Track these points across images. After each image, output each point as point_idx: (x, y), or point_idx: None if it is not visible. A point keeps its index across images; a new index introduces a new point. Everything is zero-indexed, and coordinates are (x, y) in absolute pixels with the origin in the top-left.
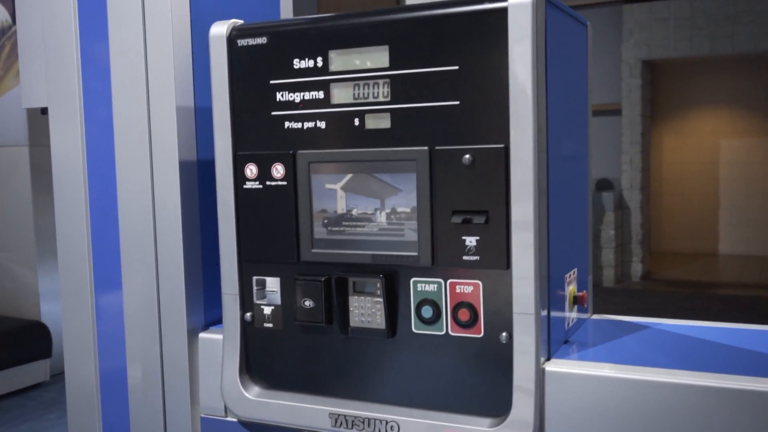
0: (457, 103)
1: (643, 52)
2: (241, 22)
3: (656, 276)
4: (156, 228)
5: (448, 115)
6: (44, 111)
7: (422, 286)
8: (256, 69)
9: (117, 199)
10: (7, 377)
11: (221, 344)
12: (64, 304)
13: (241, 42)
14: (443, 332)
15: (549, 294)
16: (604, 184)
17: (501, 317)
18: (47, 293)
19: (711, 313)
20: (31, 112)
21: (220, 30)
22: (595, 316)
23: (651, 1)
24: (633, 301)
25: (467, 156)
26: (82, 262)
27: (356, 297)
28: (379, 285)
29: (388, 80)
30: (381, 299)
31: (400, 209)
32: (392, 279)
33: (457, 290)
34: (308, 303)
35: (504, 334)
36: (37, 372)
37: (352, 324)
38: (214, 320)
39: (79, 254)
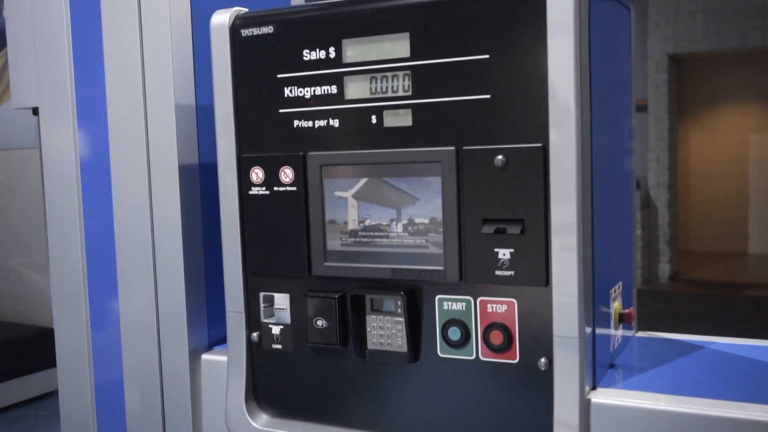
0: (488, 96)
1: (670, 47)
2: (245, 10)
3: (684, 277)
4: (154, 237)
5: (477, 110)
6: (36, 111)
7: (449, 304)
8: (261, 61)
9: (112, 206)
10: (19, 386)
11: (226, 366)
12: (56, 314)
13: (245, 32)
14: (473, 357)
15: (594, 313)
16: None
17: (539, 341)
18: None
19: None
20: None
21: (221, 19)
22: (641, 334)
23: None
24: (661, 303)
25: (500, 157)
26: (75, 270)
27: (374, 316)
28: (399, 303)
29: (409, 72)
30: (402, 319)
31: (423, 217)
32: (415, 296)
33: (489, 309)
34: (321, 322)
35: (543, 359)
36: (49, 381)
37: (369, 346)
38: (218, 339)
39: (72, 262)
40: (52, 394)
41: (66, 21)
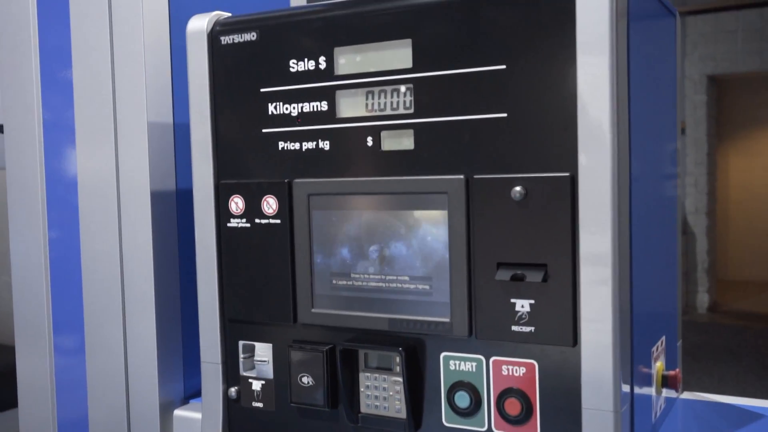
0: (505, 115)
1: (709, 67)
2: (227, 14)
3: (724, 307)
4: (123, 274)
5: (491, 131)
6: (1, 129)
7: (456, 364)
8: (243, 73)
9: (80, 236)
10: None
11: (200, 424)
12: (18, 351)
13: (226, 39)
14: (484, 428)
15: (632, 378)
16: None
17: (565, 412)
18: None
19: None
20: None
21: (199, 24)
22: (686, 395)
23: (717, 12)
24: (700, 337)
25: (518, 188)
26: (39, 310)
27: (369, 374)
28: (398, 360)
29: (411, 86)
30: (401, 379)
31: (427, 259)
32: (416, 352)
33: (504, 372)
34: (306, 380)
35: None
36: None
37: (362, 410)
38: (195, 392)
39: (35, 294)
40: None
41: (33, 31)
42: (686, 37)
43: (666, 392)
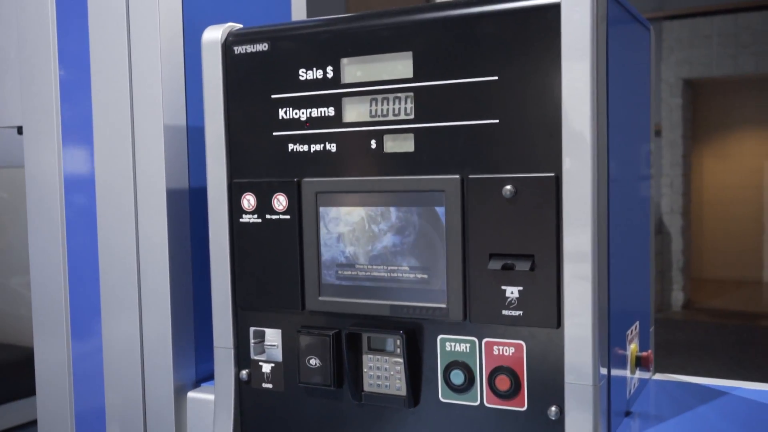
0: (496, 121)
1: (684, 71)
2: (239, 26)
3: (698, 305)
4: (140, 266)
5: (484, 136)
6: (20, 130)
7: (452, 345)
8: (255, 81)
9: (97, 232)
10: (19, 408)
11: (213, 406)
12: (36, 342)
13: (239, 49)
14: (477, 403)
15: (609, 357)
16: None
17: (549, 387)
18: None
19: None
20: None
21: (213, 35)
22: (658, 376)
23: (693, 17)
24: (674, 333)
25: (508, 187)
26: (57, 297)
27: (371, 356)
28: (398, 342)
29: (411, 94)
30: (401, 360)
31: (425, 251)
32: (415, 336)
33: (495, 352)
34: (314, 361)
35: (553, 408)
36: None
37: (366, 389)
38: (207, 375)
39: (54, 288)
40: None
41: (52, 35)
42: (663, 41)
43: (640, 373)
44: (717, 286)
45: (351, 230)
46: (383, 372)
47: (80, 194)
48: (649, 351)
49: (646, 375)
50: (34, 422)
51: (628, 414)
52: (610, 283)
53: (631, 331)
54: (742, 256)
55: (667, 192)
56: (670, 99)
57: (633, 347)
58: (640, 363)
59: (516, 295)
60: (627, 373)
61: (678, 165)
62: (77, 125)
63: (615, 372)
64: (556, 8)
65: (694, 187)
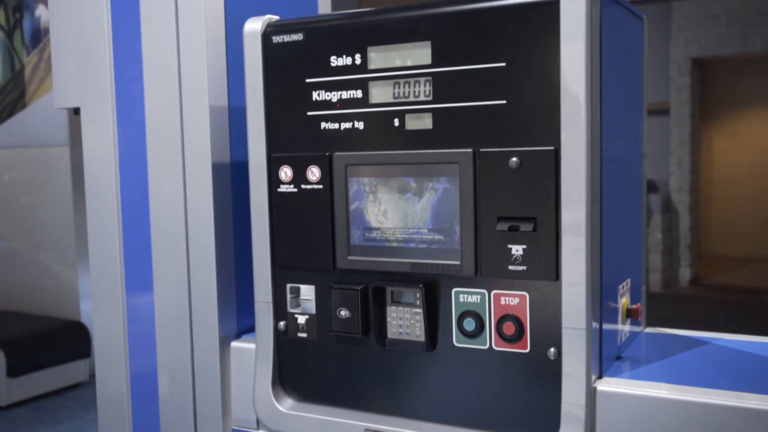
0: (504, 102)
1: (693, 50)
2: (276, 18)
3: (705, 281)
4: (188, 231)
5: (493, 115)
6: (77, 111)
7: (465, 297)
8: (291, 67)
9: (149, 202)
10: (47, 377)
11: (254, 354)
12: (94, 306)
13: (276, 39)
14: (486, 346)
15: (601, 307)
16: (651, 186)
17: (549, 332)
18: (87, 293)
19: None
20: (71, 112)
21: (254, 26)
22: (649, 330)
23: None
24: (681, 308)
25: (514, 159)
26: (113, 264)
27: (394, 307)
28: (418, 295)
29: (430, 78)
30: (420, 310)
31: (441, 215)
32: (433, 289)
33: (502, 302)
34: (344, 313)
35: (552, 349)
36: (77, 372)
37: (389, 336)
38: (247, 328)
39: (110, 256)
40: (79, 386)
41: (107, 24)
42: (671, 21)
43: (632, 325)
44: (725, 262)
45: (376, 198)
46: (405, 321)
47: (133, 169)
48: (639, 304)
49: (638, 327)
50: (61, 390)
51: (618, 358)
52: (603, 243)
53: (623, 287)
54: (750, 234)
55: (675, 170)
56: (678, 78)
57: (624, 300)
58: (630, 314)
59: (520, 252)
60: (618, 322)
61: (686, 143)
62: (130, 107)
63: (606, 320)
64: (555, 3)
65: (703, 165)
